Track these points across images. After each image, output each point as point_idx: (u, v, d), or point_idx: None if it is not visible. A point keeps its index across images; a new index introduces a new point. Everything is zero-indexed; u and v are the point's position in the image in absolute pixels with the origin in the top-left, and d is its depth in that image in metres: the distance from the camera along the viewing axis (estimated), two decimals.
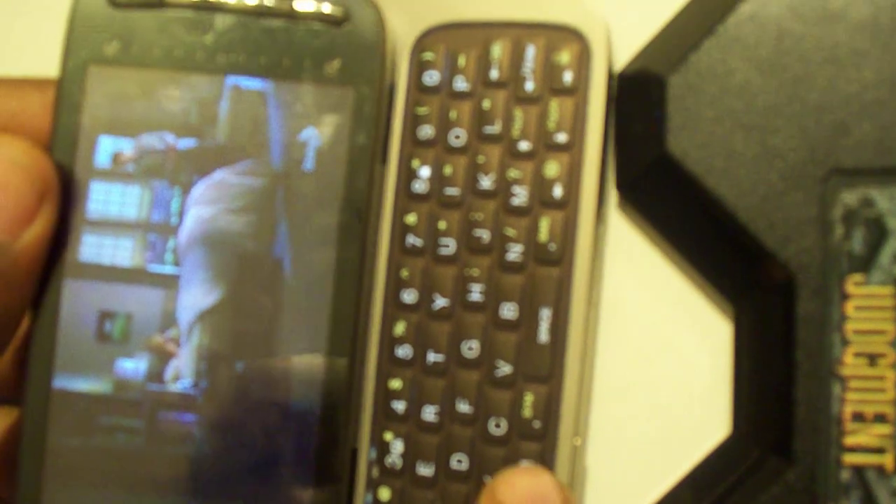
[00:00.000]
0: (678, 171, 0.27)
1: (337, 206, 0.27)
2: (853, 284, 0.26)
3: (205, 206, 0.28)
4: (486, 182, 0.28)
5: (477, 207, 0.28)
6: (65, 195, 0.27)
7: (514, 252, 0.28)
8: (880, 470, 0.26)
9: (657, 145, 0.28)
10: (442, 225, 0.28)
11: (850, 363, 0.26)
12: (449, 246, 0.28)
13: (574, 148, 0.27)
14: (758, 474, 0.27)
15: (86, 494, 0.28)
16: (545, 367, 0.27)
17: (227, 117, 0.28)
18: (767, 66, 0.27)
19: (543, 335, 0.27)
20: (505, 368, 0.28)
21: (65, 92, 0.27)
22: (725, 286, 0.29)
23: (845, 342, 0.26)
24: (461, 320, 0.28)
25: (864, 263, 0.26)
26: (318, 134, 0.27)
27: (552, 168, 0.27)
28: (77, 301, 0.28)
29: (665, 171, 0.28)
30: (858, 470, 0.26)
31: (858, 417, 0.26)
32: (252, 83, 0.28)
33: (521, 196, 0.28)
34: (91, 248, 0.28)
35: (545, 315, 0.27)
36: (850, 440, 0.26)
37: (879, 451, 0.26)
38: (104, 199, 0.28)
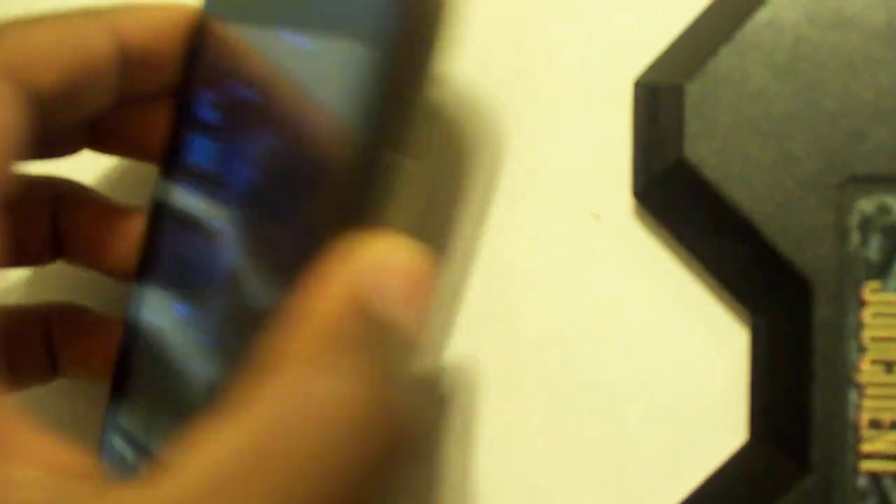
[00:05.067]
0: (695, 177, 0.27)
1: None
2: (870, 291, 0.26)
3: (248, 164, 0.28)
4: None
5: None
6: (174, 144, 0.30)
7: None
8: None
9: (674, 152, 0.28)
10: None
11: (867, 370, 0.26)
12: None
13: None
14: (774, 481, 0.27)
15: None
16: None
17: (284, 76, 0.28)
18: (784, 73, 0.27)
19: None
20: None
21: (190, 45, 0.29)
22: (742, 292, 0.29)
23: (862, 349, 0.26)
24: None
25: (881, 271, 0.26)
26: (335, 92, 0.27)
27: None
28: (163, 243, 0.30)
29: (682, 178, 0.28)
30: (875, 477, 0.26)
31: (875, 424, 0.26)
32: (297, 40, 0.28)
33: None
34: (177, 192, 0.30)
35: None
36: (866, 447, 0.26)
37: None
38: (194, 148, 0.30)
